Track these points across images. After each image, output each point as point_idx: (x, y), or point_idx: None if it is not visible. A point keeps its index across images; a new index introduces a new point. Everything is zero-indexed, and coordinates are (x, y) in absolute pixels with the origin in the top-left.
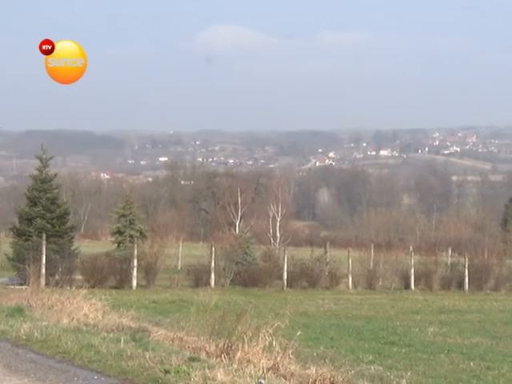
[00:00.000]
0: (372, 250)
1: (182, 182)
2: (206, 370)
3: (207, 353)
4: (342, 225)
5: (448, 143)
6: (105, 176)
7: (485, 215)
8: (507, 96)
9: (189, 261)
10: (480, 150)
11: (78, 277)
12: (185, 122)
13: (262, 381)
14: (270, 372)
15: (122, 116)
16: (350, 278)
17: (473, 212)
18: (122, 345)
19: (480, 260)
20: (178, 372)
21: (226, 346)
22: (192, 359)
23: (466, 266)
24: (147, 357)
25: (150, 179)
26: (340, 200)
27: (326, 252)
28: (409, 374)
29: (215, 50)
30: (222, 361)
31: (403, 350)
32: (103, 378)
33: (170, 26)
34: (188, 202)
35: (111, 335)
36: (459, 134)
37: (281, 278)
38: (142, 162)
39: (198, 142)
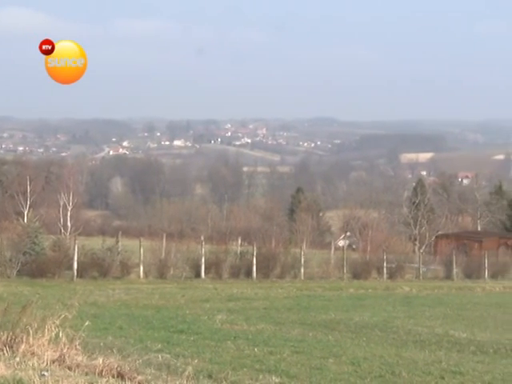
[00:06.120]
0: (164, 240)
1: None
2: None
3: None
4: (135, 214)
5: (240, 134)
6: None
7: (273, 205)
8: (295, 90)
9: None
10: (270, 142)
11: None
12: None
13: (46, 373)
14: (55, 364)
15: None
16: (142, 268)
17: (262, 202)
18: None
19: (267, 249)
20: None
21: (9, 339)
22: None
23: (254, 254)
24: None
25: None
26: (133, 189)
27: (117, 242)
28: (196, 361)
29: (5, 32)
30: (4, 354)
31: (192, 338)
32: None
33: None
34: None
35: None
36: (250, 126)
37: (71, 268)
38: None
39: None
